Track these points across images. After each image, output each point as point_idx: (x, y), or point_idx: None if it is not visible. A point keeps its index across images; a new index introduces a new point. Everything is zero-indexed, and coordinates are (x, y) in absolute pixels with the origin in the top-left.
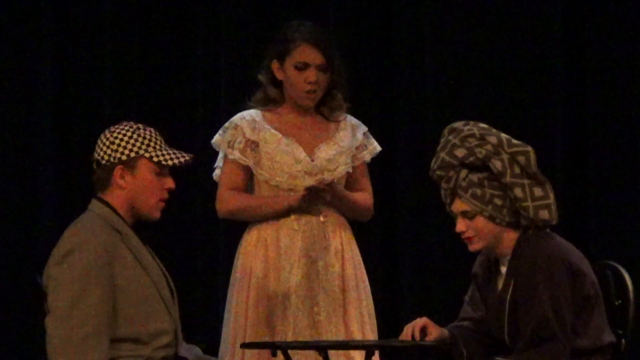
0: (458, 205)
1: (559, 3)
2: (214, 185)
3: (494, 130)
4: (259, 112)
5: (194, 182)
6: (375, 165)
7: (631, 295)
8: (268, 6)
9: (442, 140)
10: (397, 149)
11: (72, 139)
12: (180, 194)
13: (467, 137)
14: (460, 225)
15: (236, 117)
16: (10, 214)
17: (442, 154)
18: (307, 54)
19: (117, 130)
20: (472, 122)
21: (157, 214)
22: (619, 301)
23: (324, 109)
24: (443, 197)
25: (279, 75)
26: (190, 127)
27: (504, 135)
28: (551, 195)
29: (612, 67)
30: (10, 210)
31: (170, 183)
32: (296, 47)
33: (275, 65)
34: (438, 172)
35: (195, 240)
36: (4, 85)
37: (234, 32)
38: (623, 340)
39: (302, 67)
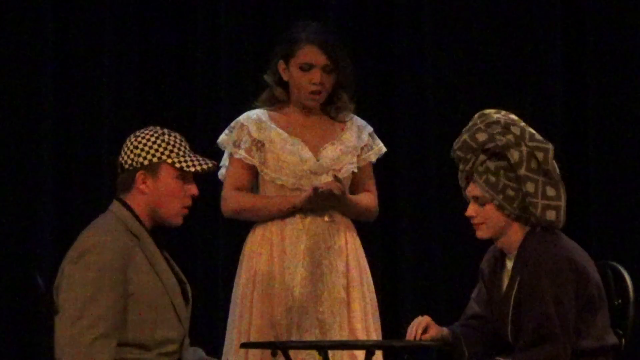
0: (471, 190)
1: (559, 3)
2: (215, 185)
3: (523, 123)
4: (265, 111)
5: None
6: (375, 166)
7: (631, 295)
8: (268, 6)
9: (471, 122)
10: (397, 149)
11: (72, 139)
12: None
13: (492, 123)
14: (470, 210)
15: (242, 117)
16: (10, 214)
17: (465, 135)
18: (312, 55)
19: (142, 135)
20: (504, 112)
21: (179, 220)
22: (619, 301)
23: (330, 109)
24: (459, 180)
25: (285, 76)
26: (190, 127)
27: (530, 130)
28: (563, 198)
29: (612, 66)
30: (10, 210)
31: (193, 189)
32: (301, 48)
33: (281, 65)
34: (458, 153)
35: (196, 240)
36: (4, 85)
37: (234, 32)
38: (623, 340)
39: (307, 68)
